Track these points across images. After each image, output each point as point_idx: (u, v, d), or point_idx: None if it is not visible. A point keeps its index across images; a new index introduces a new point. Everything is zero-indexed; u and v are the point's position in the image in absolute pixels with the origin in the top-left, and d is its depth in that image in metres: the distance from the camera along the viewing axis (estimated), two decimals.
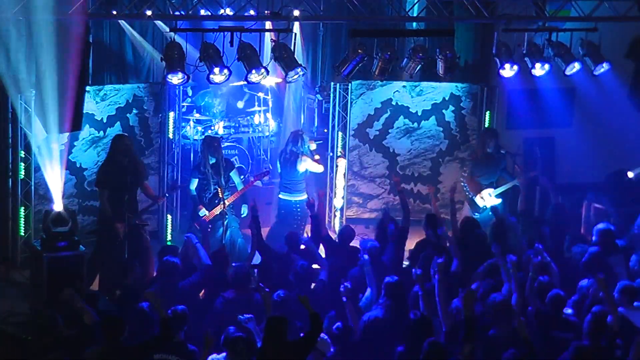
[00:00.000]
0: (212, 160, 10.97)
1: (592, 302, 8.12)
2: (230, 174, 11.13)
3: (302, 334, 7.48)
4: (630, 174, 12.40)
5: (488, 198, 11.71)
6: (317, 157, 11.66)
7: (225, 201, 10.79)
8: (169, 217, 12.34)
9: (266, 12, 10.71)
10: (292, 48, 10.87)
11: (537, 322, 7.99)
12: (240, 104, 13.69)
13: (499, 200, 11.72)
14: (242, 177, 11.95)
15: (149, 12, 10.35)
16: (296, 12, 11.17)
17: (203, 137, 11.97)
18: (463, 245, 9.36)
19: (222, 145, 11.68)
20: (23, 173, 11.21)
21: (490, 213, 11.60)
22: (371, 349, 7.85)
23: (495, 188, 11.79)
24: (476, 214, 11.71)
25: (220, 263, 9.20)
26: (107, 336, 7.34)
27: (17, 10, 9.60)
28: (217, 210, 10.90)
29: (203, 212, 10.96)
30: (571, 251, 9.79)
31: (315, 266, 9.32)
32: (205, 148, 11.06)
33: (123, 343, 7.38)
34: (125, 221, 10.21)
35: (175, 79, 10.39)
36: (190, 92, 13.33)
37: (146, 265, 10.37)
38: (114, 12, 10.69)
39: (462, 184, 12.07)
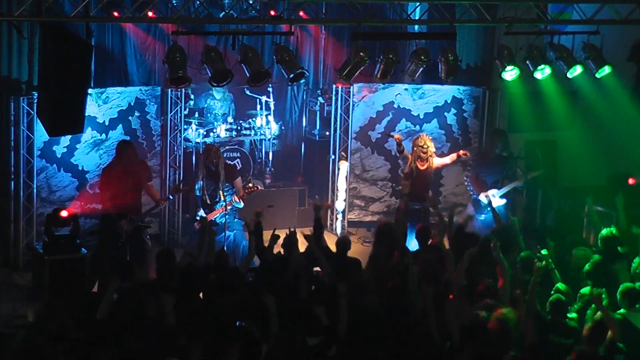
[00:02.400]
0: (210, 167, 10.96)
1: (593, 310, 8.09)
2: (235, 181, 11.11)
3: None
4: (632, 181, 12.40)
5: (492, 199, 11.69)
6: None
7: (226, 205, 10.77)
8: None
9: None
10: (294, 50, 10.89)
11: (537, 327, 7.96)
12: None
13: (504, 201, 11.70)
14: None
15: (150, 14, 10.37)
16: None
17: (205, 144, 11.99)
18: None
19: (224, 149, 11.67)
20: (25, 175, 11.23)
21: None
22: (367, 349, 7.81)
23: (499, 189, 11.77)
24: (481, 215, 11.69)
25: (220, 265, 9.17)
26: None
27: (19, 13, 9.60)
28: (216, 214, 10.90)
29: (201, 213, 10.95)
30: (572, 254, 9.74)
31: (316, 269, 9.29)
32: (202, 155, 11.12)
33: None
34: (128, 220, 10.21)
35: (177, 81, 10.40)
36: (192, 95, 13.32)
37: (145, 268, 10.34)
38: (116, 15, 10.71)
39: (466, 183, 12.07)
